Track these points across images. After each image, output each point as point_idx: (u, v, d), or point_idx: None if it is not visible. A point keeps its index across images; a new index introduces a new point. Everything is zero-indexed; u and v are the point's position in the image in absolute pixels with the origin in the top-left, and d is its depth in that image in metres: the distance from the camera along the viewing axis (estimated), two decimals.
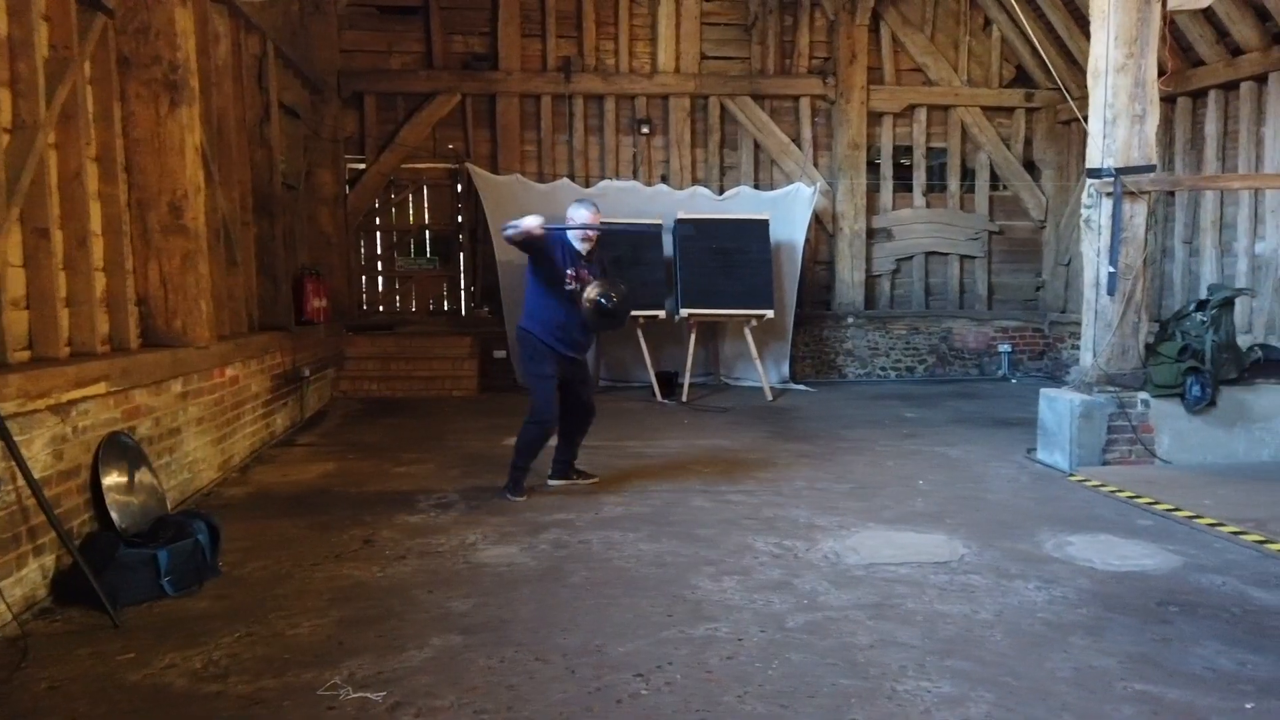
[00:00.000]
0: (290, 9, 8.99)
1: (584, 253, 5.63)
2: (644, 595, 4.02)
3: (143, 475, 4.54)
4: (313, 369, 8.38)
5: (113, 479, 4.31)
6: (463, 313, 11.04)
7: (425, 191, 11.02)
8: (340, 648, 3.49)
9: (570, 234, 5.57)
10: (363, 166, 10.68)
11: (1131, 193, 6.20)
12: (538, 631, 3.64)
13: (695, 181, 10.93)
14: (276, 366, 7.42)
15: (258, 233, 7.53)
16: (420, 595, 4.03)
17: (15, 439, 3.60)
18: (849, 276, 11.22)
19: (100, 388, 4.37)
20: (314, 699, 3.08)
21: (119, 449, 4.44)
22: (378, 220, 11.01)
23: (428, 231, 11.07)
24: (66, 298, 4.63)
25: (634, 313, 9.39)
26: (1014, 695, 3.10)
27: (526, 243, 5.40)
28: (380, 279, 11.11)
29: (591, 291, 5.50)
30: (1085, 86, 6.55)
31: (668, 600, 3.96)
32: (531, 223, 5.31)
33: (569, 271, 5.54)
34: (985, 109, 11.46)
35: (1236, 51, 8.62)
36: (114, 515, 4.21)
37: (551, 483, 5.91)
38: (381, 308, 11.07)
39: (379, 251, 11.04)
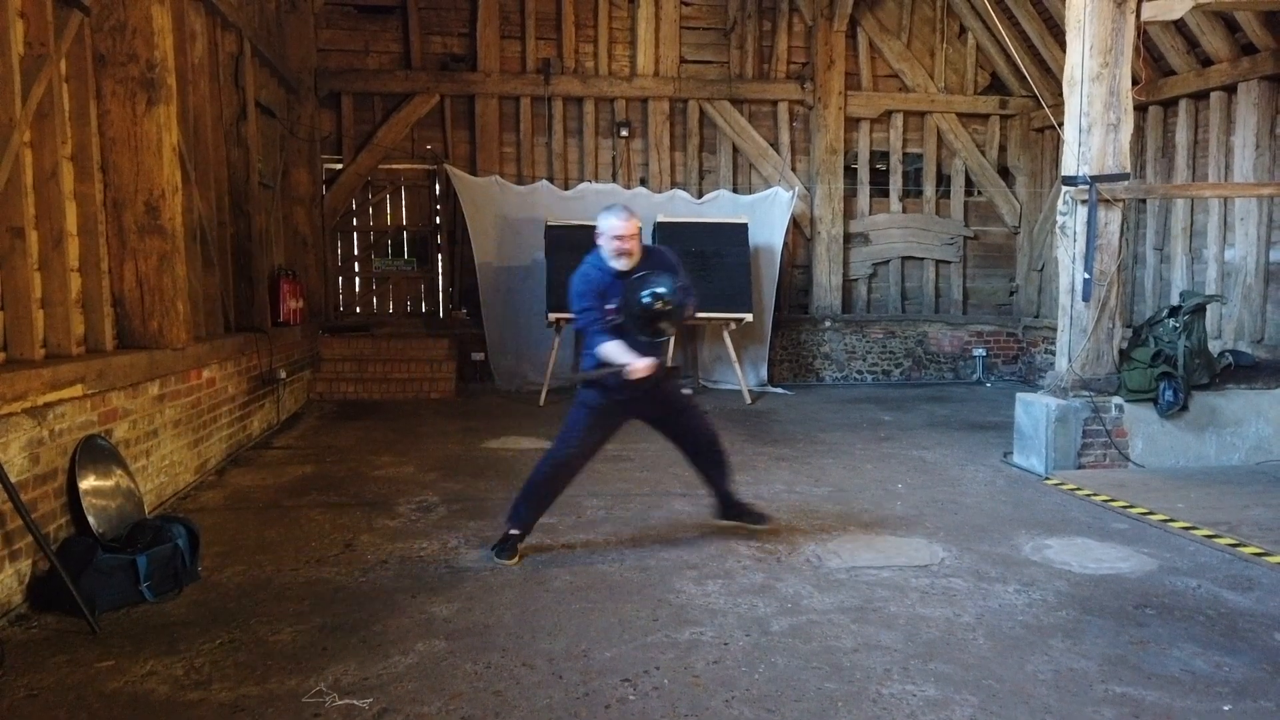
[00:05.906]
0: (266, 7, 8.90)
1: (624, 269, 4.51)
2: (627, 600, 4.03)
3: (120, 479, 4.49)
4: (289, 371, 8.31)
5: (90, 483, 4.25)
6: (440, 314, 10.98)
7: (403, 192, 10.95)
8: (323, 654, 3.46)
9: (607, 253, 4.53)
10: (339, 166, 10.61)
11: (1106, 200, 6.29)
12: (522, 637, 3.63)
13: (674, 185, 10.96)
14: (253, 368, 7.35)
15: (234, 233, 7.46)
16: (403, 600, 4.01)
17: None
18: (826, 280, 11.29)
19: (76, 390, 4.31)
20: (298, 706, 3.06)
21: (95, 452, 4.39)
22: (354, 221, 10.93)
23: (405, 232, 11.00)
24: (42, 298, 4.57)
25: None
26: (996, 699, 3.13)
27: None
28: (357, 280, 11.03)
29: (637, 300, 4.50)
30: (1059, 94, 6.63)
31: (651, 604, 3.97)
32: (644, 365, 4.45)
33: (609, 307, 4.53)
34: (960, 115, 11.58)
35: (1206, 62, 8.76)
36: (91, 520, 4.16)
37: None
38: (358, 309, 10.99)
39: (355, 252, 10.96)
